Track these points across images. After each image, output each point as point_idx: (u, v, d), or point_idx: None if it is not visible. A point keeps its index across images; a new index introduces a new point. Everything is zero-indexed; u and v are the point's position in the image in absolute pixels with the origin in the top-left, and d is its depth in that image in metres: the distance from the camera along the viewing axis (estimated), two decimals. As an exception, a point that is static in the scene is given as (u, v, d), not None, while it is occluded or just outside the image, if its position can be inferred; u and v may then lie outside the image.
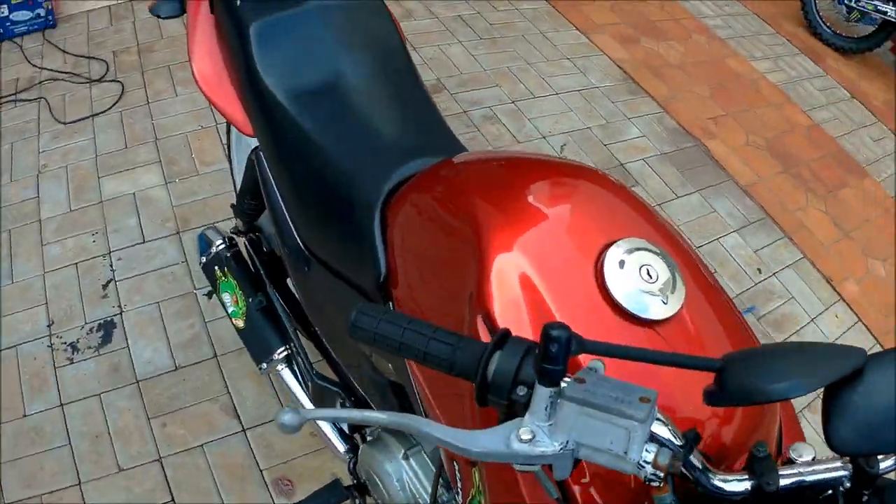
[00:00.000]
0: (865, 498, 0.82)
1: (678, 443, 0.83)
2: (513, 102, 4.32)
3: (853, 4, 5.36)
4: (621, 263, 1.05)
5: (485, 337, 1.07)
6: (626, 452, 0.79)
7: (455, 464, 1.27)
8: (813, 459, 0.87)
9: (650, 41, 5.10)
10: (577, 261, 1.08)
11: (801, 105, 4.87)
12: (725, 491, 0.84)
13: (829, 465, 0.84)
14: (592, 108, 4.40)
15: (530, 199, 1.19)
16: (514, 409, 0.84)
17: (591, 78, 4.65)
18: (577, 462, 0.83)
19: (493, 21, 5.01)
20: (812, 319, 3.52)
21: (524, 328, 1.05)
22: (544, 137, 4.08)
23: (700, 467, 0.85)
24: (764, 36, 5.54)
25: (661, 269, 1.05)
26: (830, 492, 0.84)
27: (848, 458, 0.83)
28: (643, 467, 0.80)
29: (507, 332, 0.86)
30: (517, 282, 1.07)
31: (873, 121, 5.05)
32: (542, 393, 0.80)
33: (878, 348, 3.44)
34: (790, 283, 3.66)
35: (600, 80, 4.65)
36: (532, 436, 0.80)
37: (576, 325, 1.01)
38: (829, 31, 5.60)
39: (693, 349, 1.05)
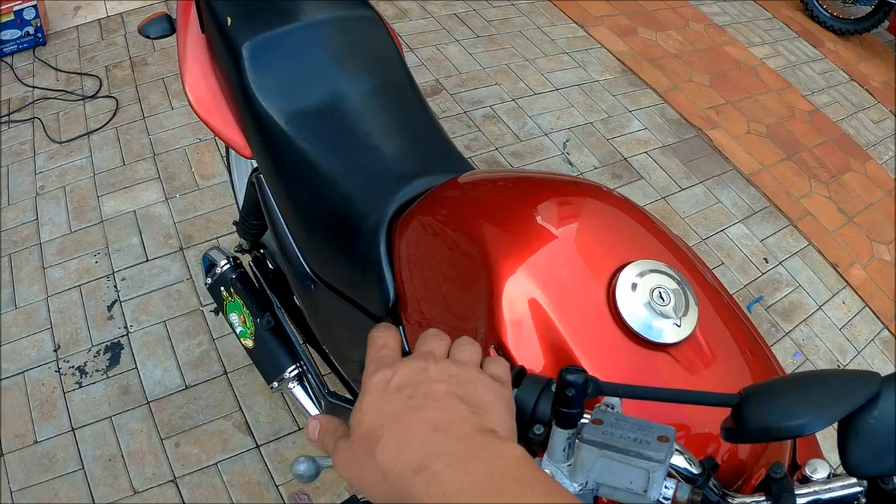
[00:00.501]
0: None
1: (696, 471, 0.84)
2: (513, 100, 4.30)
3: (851, -15, 5.37)
4: (633, 286, 1.03)
5: None
6: (645, 491, 0.78)
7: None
8: (829, 476, 0.86)
9: (648, 31, 5.08)
10: (589, 285, 1.06)
11: (801, 90, 4.86)
12: (743, 514, 0.84)
13: (845, 483, 0.84)
14: (593, 102, 4.39)
15: (538, 220, 1.17)
16: (532, 448, 0.82)
17: (591, 72, 4.63)
18: (596, 499, 0.83)
19: (489, 18, 4.99)
20: (819, 307, 3.52)
21: (537, 357, 1.04)
22: (546, 135, 4.07)
23: (719, 494, 0.86)
24: (761, 21, 5.53)
25: (673, 291, 1.03)
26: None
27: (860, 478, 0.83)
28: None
29: (522, 370, 0.84)
30: (528, 309, 1.06)
31: (873, 102, 5.05)
32: (560, 434, 0.80)
33: (885, 333, 3.44)
34: (797, 271, 3.64)
35: (600, 73, 4.63)
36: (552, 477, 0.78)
37: (588, 352, 1.01)
38: (826, 13, 5.59)
39: (708, 370, 1.03)
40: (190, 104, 1.91)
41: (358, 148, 1.65)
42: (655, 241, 1.16)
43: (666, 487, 0.79)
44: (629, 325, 1.01)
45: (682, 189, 3.89)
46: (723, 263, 3.52)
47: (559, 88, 4.44)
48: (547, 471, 0.80)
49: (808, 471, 0.87)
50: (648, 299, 1.02)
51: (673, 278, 1.05)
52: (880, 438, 0.76)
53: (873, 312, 3.52)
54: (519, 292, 1.07)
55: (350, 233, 1.53)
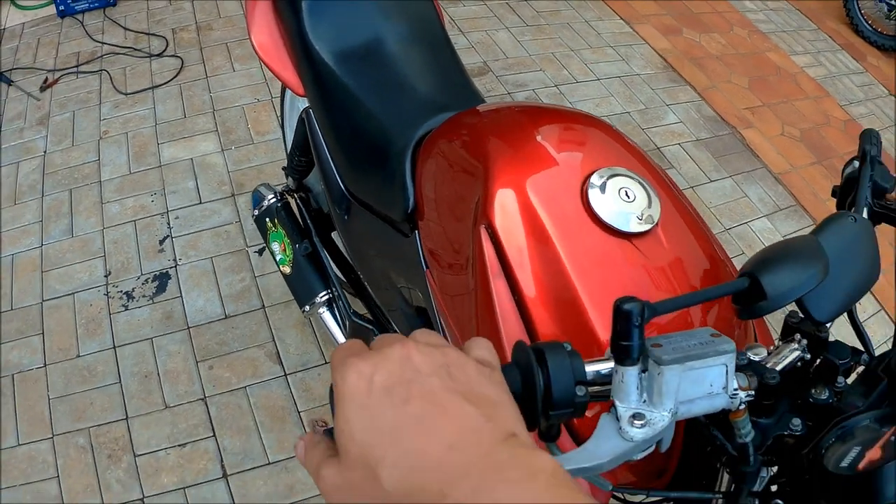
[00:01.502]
0: (821, 361, 0.96)
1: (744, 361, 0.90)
2: (556, 86, 4.45)
3: (894, 3, 5.42)
4: (603, 187, 1.20)
5: (486, 243, 1.25)
6: (724, 388, 0.81)
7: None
8: (769, 353, 0.96)
9: (692, 32, 5.20)
10: (566, 184, 1.24)
11: (839, 99, 4.94)
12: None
13: (789, 348, 0.96)
14: (633, 93, 4.52)
15: (533, 136, 1.36)
16: (552, 427, 0.80)
17: (633, 66, 4.76)
18: None
19: (539, 9, 5.15)
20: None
21: (519, 238, 1.21)
22: (583, 120, 4.20)
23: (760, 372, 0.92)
24: (806, 31, 5.60)
25: (638, 192, 1.21)
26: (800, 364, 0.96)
27: (799, 337, 0.97)
28: (736, 395, 0.84)
29: (539, 347, 0.78)
30: (516, 199, 1.24)
31: (910, 118, 5.12)
32: (629, 373, 0.79)
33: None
34: (816, 268, 3.72)
35: (642, 67, 4.76)
36: (645, 417, 0.80)
37: (564, 236, 1.18)
38: (870, 28, 5.63)
39: (668, 260, 1.19)
40: (254, 48, 2.11)
41: (395, 86, 1.86)
42: (627, 154, 1.34)
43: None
44: (599, 216, 1.18)
45: (711, 181, 4.01)
46: (743, 253, 3.64)
47: (601, 79, 4.58)
48: (631, 414, 0.80)
49: (750, 355, 0.94)
50: (616, 196, 1.20)
51: (638, 182, 1.23)
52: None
53: (891, 319, 3.59)
54: (509, 185, 1.26)
55: (382, 154, 1.73)
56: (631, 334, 0.76)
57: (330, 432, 1.79)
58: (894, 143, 4.64)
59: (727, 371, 0.81)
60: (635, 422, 0.79)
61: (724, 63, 4.99)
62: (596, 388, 0.81)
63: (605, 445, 0.80)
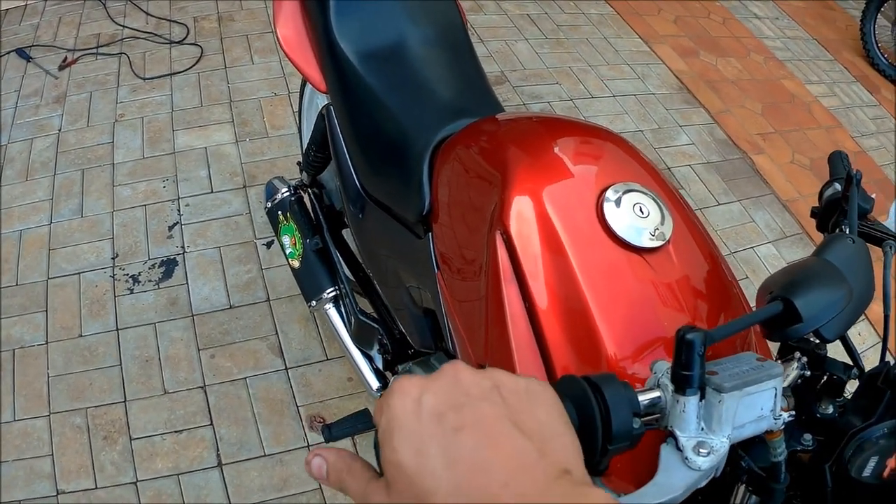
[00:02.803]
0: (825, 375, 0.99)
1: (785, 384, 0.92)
2: (571, 100, 4.47)
3: (911, 36, 5.45)
4: (618, 201, 1.22)
5: (501, 249, 1.26)
6: (772, 410, 0.84)
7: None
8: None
9: (709, 55, 5.22)
10: (582, 196, 1.25)
11: (851, 131, 4.94)
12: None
13: (791, 367, 0.98)
14: (647, 112, 4.53)
15: (550, 148, 1.38)
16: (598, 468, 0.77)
17: (649, 84, 4.78)
18: None
19: (559, 22, 5.17)
20: (836, 333, 3.62)
21: (533, 245, 1.22)
22: (596, 135, 4.21)
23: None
24: (822, 61, 5.61)
25: (652, 208, 1.22)
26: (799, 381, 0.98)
27: (799, 355, 0.99)
28: (779, 416, 0.85)
29: (593, 380, 0.76)
30: (532, 208, 1.25)
31: (920, 154, 5.13)
32: (689, 403, 0.80)
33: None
34: (818, 297, 3.74)
35: (657, 87, 4.78)
36: (709, 446, 0.81)
37: (578, 248, 1.19)
38: (885, 61, 5.62)
39: (677, 278, 1.21)
40: (278, 41, 2.13)
41: (417, 88, 1.88)
42: (642, 170, 1.36)
43: None
44: (613, 230, 1.19)
45: (720, 204, 4.02)
46: (747, 277, 3.64)
47: (616, 95, 4.60)
48: (687, 454, 0.81)
49: None
50: (630, 212, 1.21)
51: (652, 198, 1.24)
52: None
53: (891, 354, 3.60)
54: (525, 195, 1.27)
55: (400, 155, 1.75)
56: (693, 364, 0.78)
57: (329, 430, 1.79)
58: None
59: (776, 394, 0.83)
60: (700, 451, 0.80)
61: (739, 88, 5.00)
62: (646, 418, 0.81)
63: (676, 478, 0.81)
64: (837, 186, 1.30)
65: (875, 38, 5.67)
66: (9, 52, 4.19)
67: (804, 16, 6.09)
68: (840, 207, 1.23)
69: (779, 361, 1.00)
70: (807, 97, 5.15)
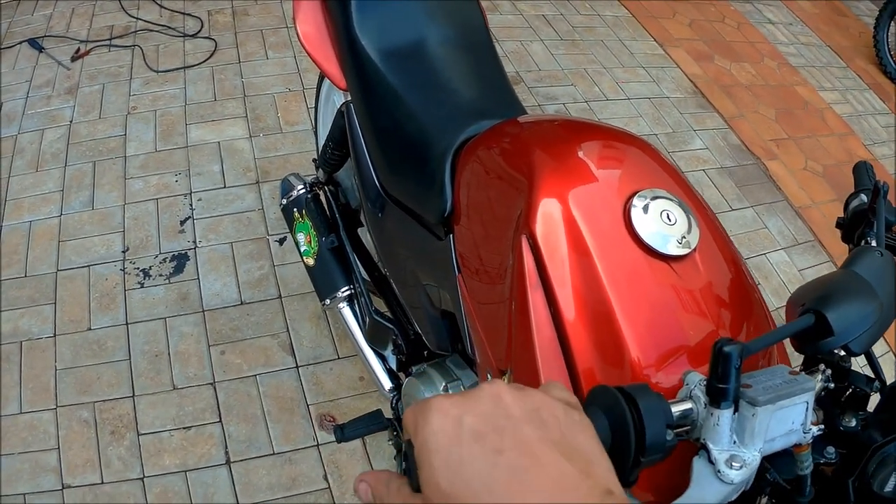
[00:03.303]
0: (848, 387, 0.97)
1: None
2: (586, 102, 4.45)
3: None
4: (645, 208, 1.20)
5: (527, 254, 1.24)
6: (802, 424, 0.83)
7: (488, 374, 1.45)
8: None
9: (723, 60, 5.20)
10: (610, 202, 1.23)
11: (863, 139, 4.92)
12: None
13: (817, 378, 0.96)
14: (661, 116, 4.52)
15: (576, 152, 1.35)
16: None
17: (663, 88, 4.76)
18: None
19: (574, 24, 5.15)
20: (847, 342, 3.60)
21: (559, 250, 1.21)
22: (610, 138, 4.20)
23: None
24: (835, 68, 5.58)
25: (679, 216, 1.20)
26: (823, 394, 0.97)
27: (823, 367, 0.97)
28: (809, 430, 0.85)
29: (627, 391, 0.76)
30: (559, 213, 1.23)
31: (932, 163, 5.12)
32: (723, 416, 0.80)
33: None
34: (830, 306, 3.72)
35: (672, 90, 4.76)
36: (741, 459, 0.81)
37: (605, 254, 1.17)
38: (898, 70, 5.63)
39: (703, 286, 1.19)
40: (298, 37, 2.12)
41: (438, 88, 1.86)
42: (668, 177, 1.33)
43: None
44: (640, 236, 1.17)
45: (733, 209, 4.00)
46: (760, 284, 3.60)
47: (631, 98, 4.58)
48: (720, 467, 0.80)
49: None
50: (658, 219, 1.19)
51: (680, 206, 1.22)
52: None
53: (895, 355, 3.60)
54: (552, 199, 1.25)
55: (422, 155, 1.73)
56: (730, 377, 0.77)
57: (341, 430, 1.79)
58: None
59: (807, 408, 0.83)
60: (733, 464, 0.80)
61: (753, 93, 4.99)
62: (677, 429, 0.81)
63: (709, 491, 0.81)
64: (864, 198, 1.28)
65: (888, 46, 5.64)
66: (21, 42, 4.18)
67: (818, 22, 6.07)
68: (866, 219, 1.21)
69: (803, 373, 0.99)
70: (820, 104, 5.13)
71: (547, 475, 0.54)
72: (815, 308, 0.93)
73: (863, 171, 1.36)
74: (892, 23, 5.58)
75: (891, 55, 5.64)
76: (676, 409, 0.82)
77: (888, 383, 0.98)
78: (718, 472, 0.80)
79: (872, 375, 1.01)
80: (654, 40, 5.20)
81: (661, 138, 4.33)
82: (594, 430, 0.63)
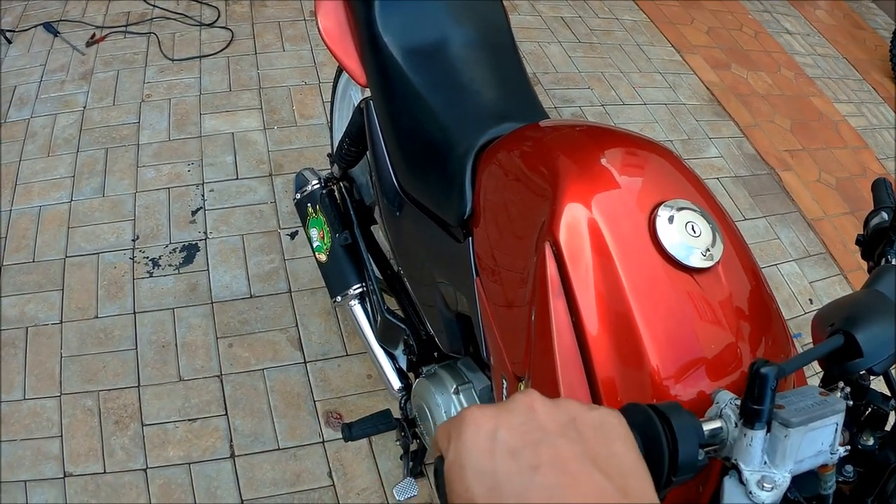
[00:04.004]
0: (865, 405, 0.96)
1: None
2: (602, 105, 4.43)
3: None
4: (671, 219, 1.18)
5: (550, 261, 1.23)
6: (830, 445, 0.83)
7: (503, 380, 1.43)
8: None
9: (740, 69, 5.18)
10: (634, 212, 1.22)
11: (877, 153, 4.90)
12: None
13: (836, 396, 0.94)
14: (677, 122, 4.50)
15: (602, 159, 1.34)
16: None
17: (680, 94, 4.74)
18: None
19: (593, 27, 5.13)
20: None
21: (583, 258, 1.19)
22: (625, 143, 4.18)
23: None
24: (850, 81, 5.56)
25: (704, 228, 1.19)
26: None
27: (842, 385, 0.96)
28: (836, 451, 0.84)
29: (660, 409, 0.77)
30: (584, 221, 1.22)
31: (946, 181, 5.07)
32: (756, 437, 0.79)
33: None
34: (839, 319, 3.71)
35: (688, 97, 4.74)
36: (773, 481, 0.80)
37: (629, 264, 1.16)
38: (914, 85, 5.60)
39: (725, 300, 1.18)
40: (319, 32, 2.10)
41: (460, 88, 1.84)
42: (693, 188, 1.32)
43: None
44: (665, 247, 1.16)
45: (745, 219, 3.99)
46: (770, 295, 3.61)
47: (647, 104, 4.56)
48: (752, 488, 0.79)
49: None
50: (683, 230, 1.18)
51: (706, 220, 1.21)
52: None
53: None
54: (577, 207, 1.23)
55: (442, 156, 1.71)
56: (765, 398, 0.76)
57: (349, 429, 1.79)
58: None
59: (836, 429, 0.82)
60: (765, 485, 0.79)
61: (769, 103, 4.97)
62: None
63: None
64: (885, 215, 1.27)
65: (904, 60, 5.62)
66: (36, 26, 4.16)
67: (835, 34, 6.04)
68: (887, 237, 1.21)
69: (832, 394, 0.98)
70: (835, 116, 5.11)
71: (583, 494, 0.53)
72: (844, 328, 0.92)
73: (882, 188, 1.35)
74: (910, 37, 5.56)
75: (906, 70, 5.62)
76: (707, 427, 0.81)
77: None
78: (750, 493, 0.79)
79: (889, 394, 1.00)
80: (672, 46, 5.18)
81: (677, 145, 4.31)
82: (633, 438, 0.62)
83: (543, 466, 0.54)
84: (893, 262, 1.16)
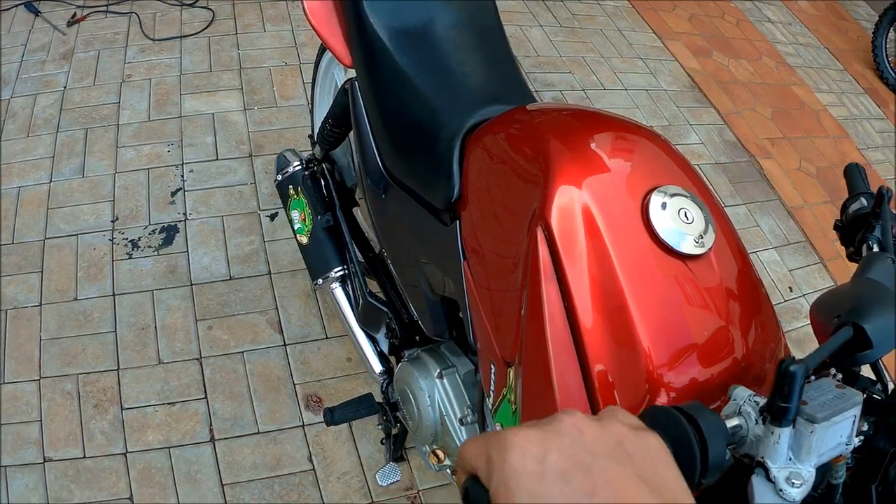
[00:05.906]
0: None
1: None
2: (583, 90, 4.42)
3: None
4: (663, 205, 1.18)
5: (542, 245, 1.22)
6: (848, 437, 0.83)
7: (492, 365, 1.42)
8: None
9: (722, 56, 5.18)
10: (627, 197, 1.22)
11: (857, 142, 4.92)
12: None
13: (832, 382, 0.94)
14: (658, 108, 4.50)
15: (592, 143, 1.33)
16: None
17: (661, 80, 4.74)
18: None
19: (574, 11, 5.12)
20: (833, 345, 3.61)
21: (575, 243, 1.18)
22: (606, 128, 4.18)
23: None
24: (832, 71, 5.58)
25: (696, 215, 1.19)
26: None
27: (834, 371, 0.95)
28: (851, 442, 0.84)
29: (687, 411, 0.76)
30: (577, 205, 1.21)
31: (924, 169, 5.12)
32: (783, 434, 0.79)
33: None
34: (818, 307, 3.72)
35: (669, 83, 4.74)
36: (801, 477, 0.79)
37: (621, 249, 1.16)
38: (894, 76, 5.61)
39: (716, 287, 1.18)
40: (305, 12, 2.08)
41: (447, 70, 1.82)
42: (685, 175, 1.32)
43: None
44: (657, 233, 1.16)
45: (725, 206, 3.96)
46: (751, 282, 3.62)
47: (628, 89, 4.56)
48: (781, 485, 0.79)
49: None
50: (676, 216, 1.18)
51: (698, 207, 1.21)
52: None
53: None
54: (569, 191, 1.22)
55: (429, 138, 1.69)
56: (793, 396, 0.76)
57: (331, 413, 1.77)
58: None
59: (854, 421, 0.82)
60: (794, 482, 0.79)
61: (750, 91, 4.98)
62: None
63: None
64: (864, 201, 1.28)
65: (886, 52, 5.64)
66: (17, 5, 4.11)
67: (817, 24, 6.06)
68: (867, 223, 1.21)
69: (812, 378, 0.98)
70: (816, 105, 5.13)
71: None
72: (852, 320, 0.92)
73: (856, 174, 1.36)
74: (892, 30, 5.58)
75: (888, 62, 5.63)
76: (728, 425, 0.81)
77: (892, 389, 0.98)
78: (780, 490, 0.79)
79: (874, 378, 1.01)
80: (654, 32, 5.18)
81: (657, 131, 4.26)
82: (671, 456, 0.62)
83: (599, 491, 0.53)
84: (875, 248, 1.17)
